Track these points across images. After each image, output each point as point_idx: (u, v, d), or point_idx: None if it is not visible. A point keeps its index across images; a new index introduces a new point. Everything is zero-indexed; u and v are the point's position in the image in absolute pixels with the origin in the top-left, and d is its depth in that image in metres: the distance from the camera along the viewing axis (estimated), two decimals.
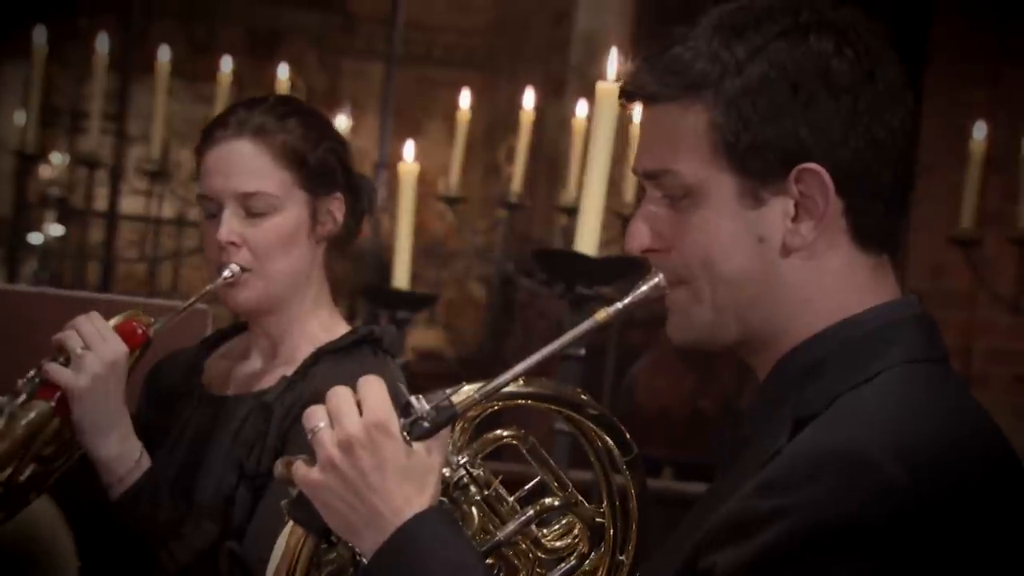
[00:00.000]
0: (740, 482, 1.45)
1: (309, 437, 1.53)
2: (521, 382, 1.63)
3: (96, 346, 2.21)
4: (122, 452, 2.23)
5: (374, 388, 1.53)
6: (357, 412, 1.52)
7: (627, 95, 1.58)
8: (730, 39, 1.50)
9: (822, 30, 1.50)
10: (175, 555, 2.20)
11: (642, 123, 1.57)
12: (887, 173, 1.51)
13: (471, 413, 1.62)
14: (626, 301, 1.59)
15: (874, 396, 1.45)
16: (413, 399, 1.53)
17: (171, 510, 2.23)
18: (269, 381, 2.36)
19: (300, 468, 1.53)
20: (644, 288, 1.58)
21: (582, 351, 3.20)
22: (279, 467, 1.56)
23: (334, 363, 2.33)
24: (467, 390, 1.57)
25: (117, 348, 2.22)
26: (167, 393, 2.46)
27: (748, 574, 1.37)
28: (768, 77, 1.48)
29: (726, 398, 7.20)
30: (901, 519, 1.35)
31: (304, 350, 2.37)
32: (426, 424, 1.53)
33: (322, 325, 2.41)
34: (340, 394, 1.54)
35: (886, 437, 1.39)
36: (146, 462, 2.25)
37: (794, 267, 1.51)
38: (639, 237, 1.56)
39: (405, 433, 1.52)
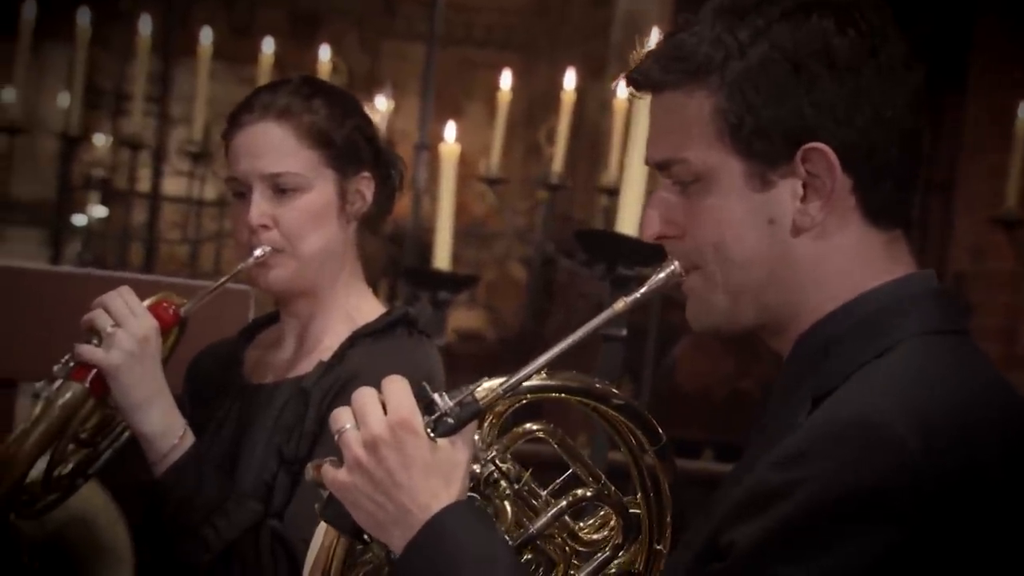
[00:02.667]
0: (757, 461, 1.46)
1: (336, 439, 1.55)
2: (544, 375, 1.63)
3: (126, 322, 2.21)
4: (165, 428, 2.23)
5: (397, 387, 1.55)
6: (381, 412, 1.53)
7: (634, 85, 1.59)
8: (733, 23, 1.51)
9: (823, 9, 1.50)
10: (220, 532, 2.20)
11: (651, 113, 1.58)
12: (894, 149, 1.52)
13: (499, 408, 1.62)
14: (643, 290, 1.61)
15: (888, 368, 1.46)
16: (436, 396, 1.54)
17: (215, 487, 2.24)
18: (306, 366, 2.37)
19: (328, 470, 1.55)
20: (660, 276, 1.59)
21: (624, 331, 3.20)
22: (309, 471, 1.58)
23: (370, 345, 2.34)
24: (489, 385, 1.57)
25: (147, 323, 2.22)
26: (207, 385, 2.47)
27: (768, 547, 1.38)
28: (770, 58, 1.49)
29: (767, 379, 7.18)
30: (917, 487, 1.36)
31: (337, 330, 2.38)
32: (450, 420, 1.54)
33: (355, 305, 2.41)
34: (364, 395, 1.55)
35: (900, 406, 1.40)
36: (190, 439, 2.25)
37: (806, 247, 1.52)
38: (652, 224, 1.58)
39: (429, 430, 1.53)
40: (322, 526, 1.60)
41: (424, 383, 1.57)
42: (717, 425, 6.78)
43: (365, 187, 2.40)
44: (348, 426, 1.54)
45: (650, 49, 1.56)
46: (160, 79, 6.46)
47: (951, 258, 6.76)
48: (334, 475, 1.54)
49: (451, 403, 1.54)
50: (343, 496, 1.54)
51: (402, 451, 1.52)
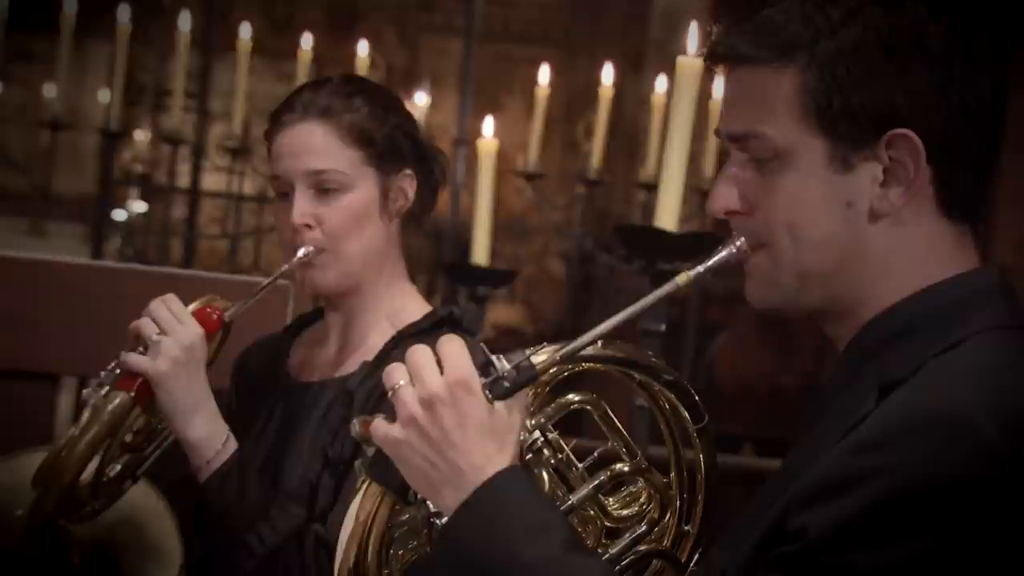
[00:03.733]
0: (823, 447, 1.44)
1: (389, 395, 1.53)
2: (599, 344, 1.62)
3: (172, 330, 2.22)
4: (209, 434, 2.24)
5: (455, 346, 1.53)
6: (438, 370, 1.51)
7: (716, 57, 1.56)
8: (824, 2, 1.49)
9: None
10: (263, 538, 2.21)
11: (729, 85, 1.56)
12: (976, 142, 1.50)
13: (545, 378, 1.60)
14: (708, 264, 1.57)
15: (965, 360, 1.44)
16: (494, 358, 1.53)
17: (259, 492, 2.24)
18: (351, 365, 2.37)
19: (380, 426, 1.53)
20: (724, 252, 1.56)
21: (663, 326, 3.19)
22: (356, 426, 1.56)
23: (413, 345, 2.32)
24: (547, 351, 1.56)
25: (193, 331, 2.23)
26: (254, 381, 2.48)
27: (845, 533, 1.36)
28: (862, 41, 1.47)
29: (807, 374, 7.16)
30: (999, 478, 1.35)
31: (381, 327, 2.38)
32: (506, 384, 1.52)
33: (399, 303, 2.41)
34: (421, 352, 1.53)
35: (980, 398, 1.38)
36: (233, 444, 2.26)
37: (880, 233, 1.50)
38: (724, 198, 1.55)
39: (486, 392, 1.52)
40: (362, 488, 1.58)
41: (481, 343, 1.56)
42: (757, 420, 6.76)
43: (407, 185, 2.40)
44: (403, 382, 1.52)
45: (732, 22, 1.54)
46: (200, 75, 6.49)
47: (995, 251, 6.73)
48: (387, 430, 1.52)
49: (508, 366, 1.52)
50: (394, 453, 1.52)
51: (459, 410, 1.50)
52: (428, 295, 5.39)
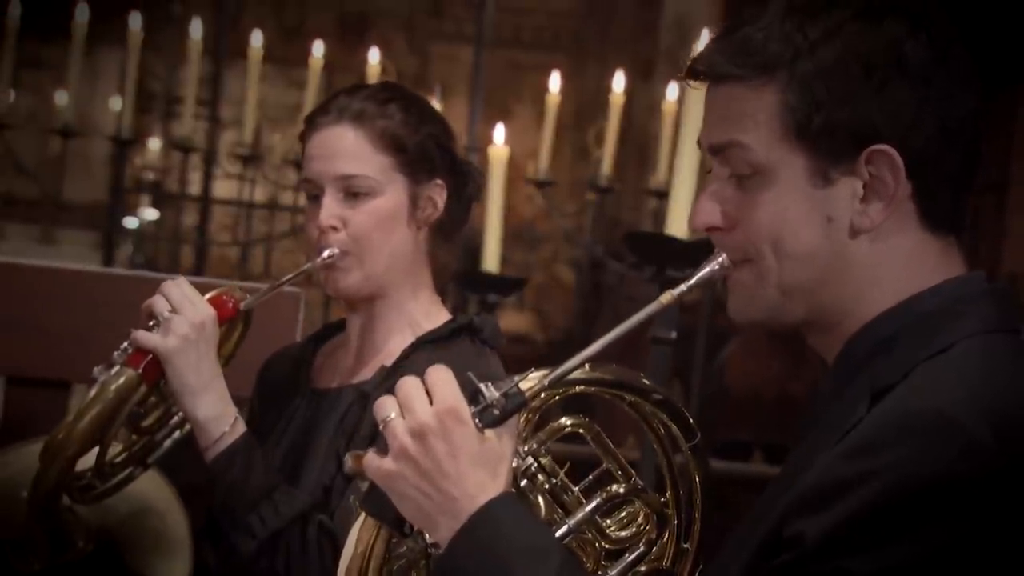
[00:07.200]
0: (816, 455, 1.45)
1: (380, 427, 1.54)
2: (587, 368, 1.63)
3: (183, 308, 2.24)
4: (217, 415, 2.25)
5: (443, 377, 1.54)
6: (428, 401, 1.53)
7: (696, 75, 1.58)
8: (803, 21, 1.51)
9: (896, 13, 1.50)
10: (265, 520, 2.22)
11: (709, 100, 1.57)
12: (956, 158, 1.52)
13: (535, 403, 1.62)
14: (690, 282, 1.59)
15: (954, 364, 1.45)
16: (482, 386, 1.54)
17: (265, 475, 2.26)
18: (369, 371, 2.38)
19: (372, 459, 1.54)
20: (708, 268, 1.58)
21: (673, 334, 3.19)
22: (349, 461, 1.57)
23: (432, 352, 2.33)
24: (534, 377, 1.57)
25: (204, 310, 2.25)
26: (276, 389, 2.49)
27: (839, 538, 1.37)
28: (842, 59, 1.49)
29: (816, 381, 7.14)
30: (989, 478, 1.36)
31: (402, 335, 2.39)
32: (496, 411, 1.53)
33: (421, 311, 2.42)
34: (409, 383, 1.54)
35: (970, 399, 1.39)
36: (241, 427, 2.27)
37: (862, 248, 1.51)
38: (706, 214, 1.57)
39: (476, 420, 1.53)
40: (359, 521, 1.59)
41: (470, 373, 1.56)
42: (767, 427, 6.75)
43: (437, 195, 2.41)
44: (393, 415, 1.54)
45: (713, 40, 1.56)
46: (211, 82, 6.50)
47: (1004, 259, 6.71)
48: (379, 464, 1.53)
49: (497, 394, 1.53)
50: (387, 485, 1.54)
51: (449, 440, 1.52)
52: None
